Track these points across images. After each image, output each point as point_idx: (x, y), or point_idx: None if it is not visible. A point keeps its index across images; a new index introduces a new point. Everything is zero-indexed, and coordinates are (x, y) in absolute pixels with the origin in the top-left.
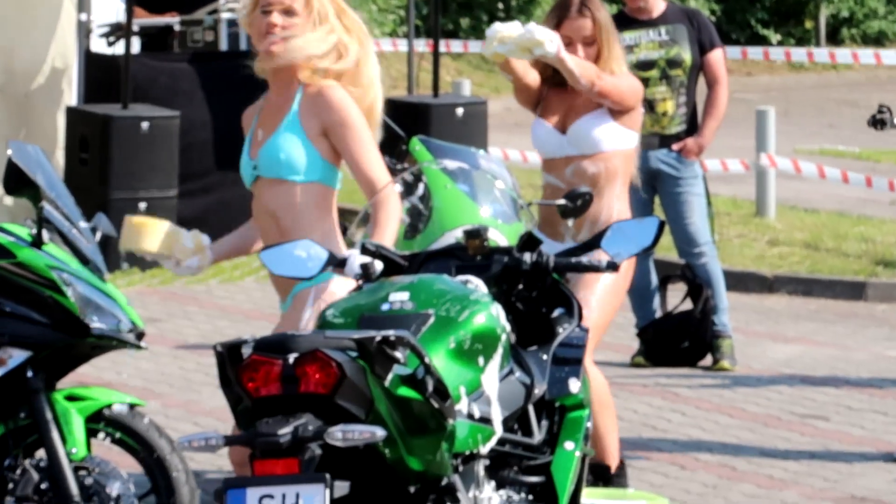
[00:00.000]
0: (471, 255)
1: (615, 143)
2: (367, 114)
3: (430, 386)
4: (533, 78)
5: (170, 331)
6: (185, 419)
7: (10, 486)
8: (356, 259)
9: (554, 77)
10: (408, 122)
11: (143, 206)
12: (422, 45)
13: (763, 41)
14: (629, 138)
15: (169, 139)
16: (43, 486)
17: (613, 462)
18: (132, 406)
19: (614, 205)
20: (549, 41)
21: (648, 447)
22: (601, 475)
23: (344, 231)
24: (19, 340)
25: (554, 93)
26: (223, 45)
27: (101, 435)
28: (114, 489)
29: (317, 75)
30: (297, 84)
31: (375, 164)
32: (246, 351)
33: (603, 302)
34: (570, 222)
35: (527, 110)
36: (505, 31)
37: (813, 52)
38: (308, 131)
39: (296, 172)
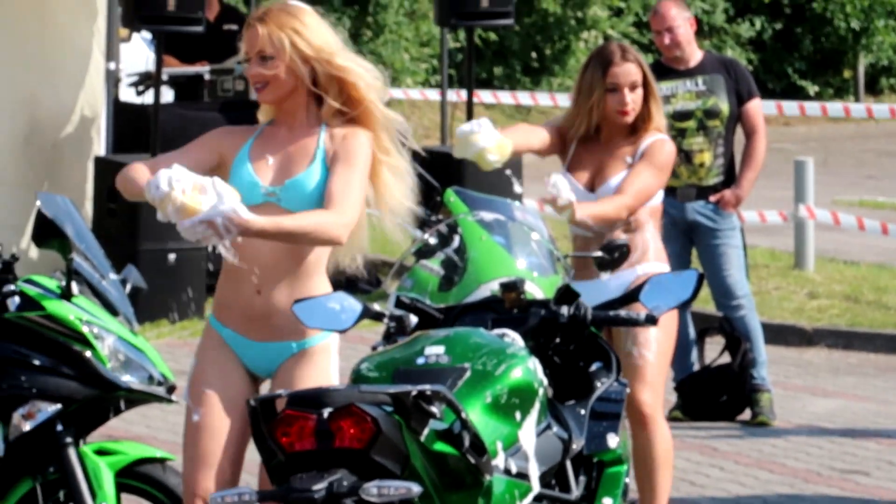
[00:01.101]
0: (507, 307)
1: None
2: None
3: (467, 441)
4: (540, 140)
5: None
6: None
7: None
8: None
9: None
10: (442, 173)
11: (172, 257)
12: (453, 95)
13: (800, 91)
14: (656, 195)
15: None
16: None
17: None
18: (162, 460)
19: (650, 243)
20: (564, 199)
21: (686, 502)
22: None
23: (378, 283)
24: (48, 394)
25: (583, 147)
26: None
27: (131, 490)
28: None
29: (336, 118)
30: (317, 122)
31: (349, 190)
32: (280, 405)
33: (657, 356)
34: (606, 275)
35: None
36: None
37: (850, 108)
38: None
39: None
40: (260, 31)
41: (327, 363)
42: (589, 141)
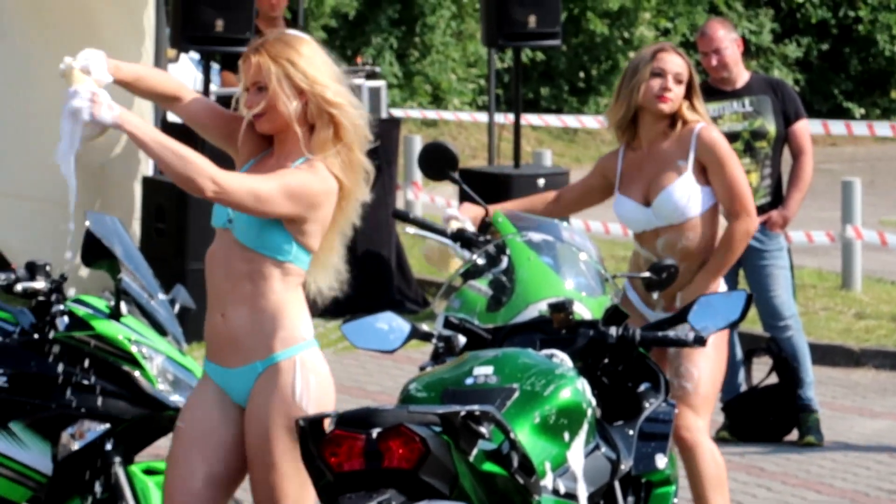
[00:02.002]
0: (556, 328)
1: (703, 206)
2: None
3: (516, 461)
4: (589, 189)
5: None
6: None
7: None
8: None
9: (630, 142)
10: (489, 193)
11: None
12: (501, 116)
13: (846, 112)
14: (712, 195)
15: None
16: None
17: None
18: None
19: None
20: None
21: None
22: None
23: (426, 303)
24: (97, 413)
25: (631, 162)
26: None
27: None
28: None
29: (325, 151)
30: (301, 154)
31: (251, 176)
32: (329, 425)
33: (704, 381)
34: (656, 295)
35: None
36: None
37: None
38: None
39: (268, 249)
40: (255, 61)
41: (291, 382)
42: (632, 158)
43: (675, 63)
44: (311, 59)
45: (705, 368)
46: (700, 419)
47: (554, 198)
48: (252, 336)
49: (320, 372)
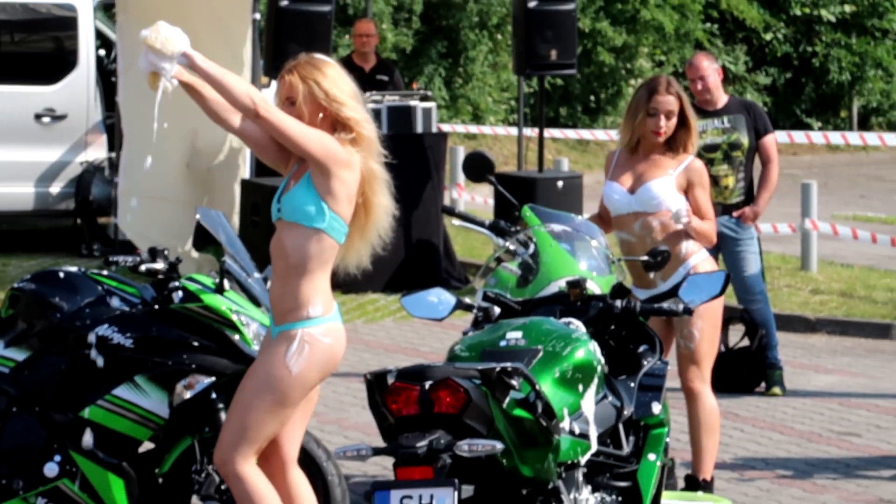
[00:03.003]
0: (572, 301)
1: (674, 203)
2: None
3: (540, 408)
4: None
5: None
6: (336, 433)
7: (196, 486)
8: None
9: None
10: (518, 193)
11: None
12: (528, 131)
13: (806, 127)
14: (685, 201)
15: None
16: (223, 486)
17: (708, 475)
18: None
19: (687, 241)
20: (684, 221)
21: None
22: (695, 486)
23: (467, 281)
24: (205, 369)
25: (626, 160)
26: None
27: None
28: None
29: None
30: None
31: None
32: (390, 379)
33: (703, 342)
34: (652, 274)
35: None
36: None
37: (847, 135)
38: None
39: (308, 219)
40: (287, 80)
41: (287, 346)
42: (629, 156)
43: (667, 102)
44: (334, 79)
45: (705, 331)
46: (702, 372)
47: (597, 214)
48: (277, 302)
49: (318, 346)
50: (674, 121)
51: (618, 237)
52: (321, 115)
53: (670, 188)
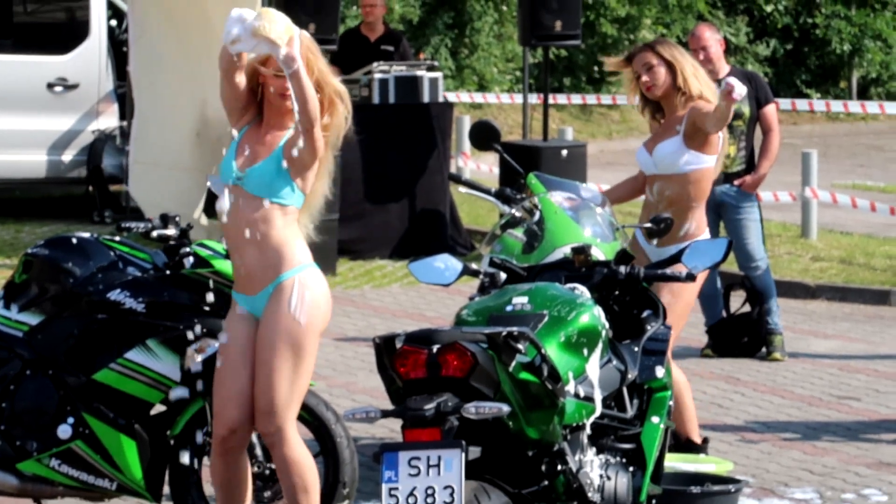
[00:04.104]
0: (577, 267)
1: (686, 166)
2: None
3: (545, 371)
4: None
5: (332, 326)
6: (345, 397)
7: (208, 448)
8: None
9: (646, 110)
10: (523, 161)
11: (311, 226)
12: (533, 99)
13: (806, 97)
14: (700, 160)
15: (333, 174)
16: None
17: (694, 438)
18: None
19: (690, 223)
20: (738, 93)
21: (716, 421)
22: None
23: (473, 247)
24: (215, 332)
25: (654, 122)
26: (375, 100)
27: None
28: None
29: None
30: (290, 125)
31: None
32: (398, 343)
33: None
34: (655, 241)
35: (616, 152)
36: None
37: (848, 104)
38: (286, 159)
39: (276, 195)
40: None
41: (288, 297)
42: (655, 127)
43: (640, 59)
44: (318, 53)
45: (675, 308)
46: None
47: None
48: (263, 269)
49: (315, 289)
50: (657, 70)
51: (646, 195)
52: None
53: (677, 146)
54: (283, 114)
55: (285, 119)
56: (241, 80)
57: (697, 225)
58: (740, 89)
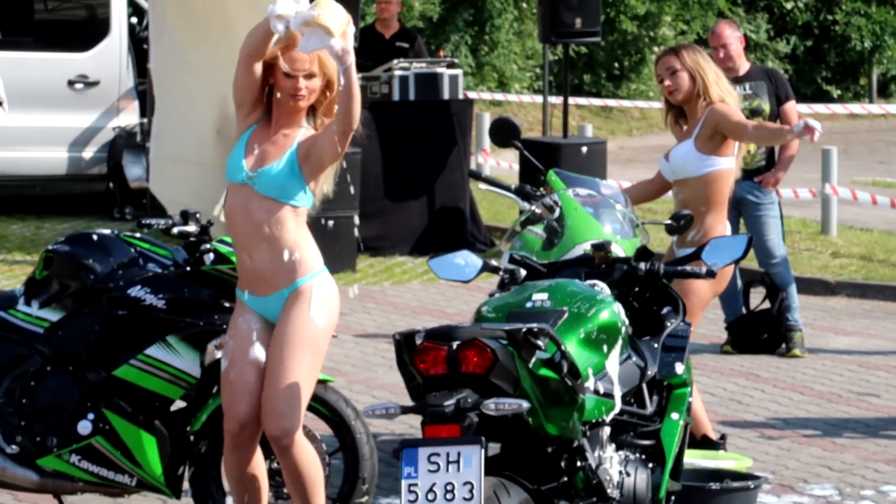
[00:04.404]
0: (597, 263)
1: (698, 171)
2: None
3: (565, 368)
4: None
5: (352, 322)
6: (364, 393)
7: None
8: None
9: (669, 116)
10: (543, 158)
11: (330, 223)
12: (553, 99)
13: (825, 95)
14: (712, 163)
15: (353, 170)
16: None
17: (711, 433)
18: (324, 381)
19: (705, 225)
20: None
21: (735, 418)
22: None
23: (492, 244)
24: None
25: (677, 128)
26: (395, 97)
27: None
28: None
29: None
30: (301, 124)
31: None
32: (418, 339)
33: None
34: (675, 237)
35: (636, 148)
36: None
37: (868, 106)
38: (300, 161)
39: (289, 197)
40: (308, 55)
41: (308, 301)
42: (678, 133)
43: (664, 64)
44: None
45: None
46: None
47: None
48: (276, 271)
49: (331, 293)
50: (681, 76)
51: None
52: (327, 92)
53: (688, 149)
54: (292, 114)
55: (295, 118)
56: (258, 68)
57: (705, 233)
58: (818, 136)
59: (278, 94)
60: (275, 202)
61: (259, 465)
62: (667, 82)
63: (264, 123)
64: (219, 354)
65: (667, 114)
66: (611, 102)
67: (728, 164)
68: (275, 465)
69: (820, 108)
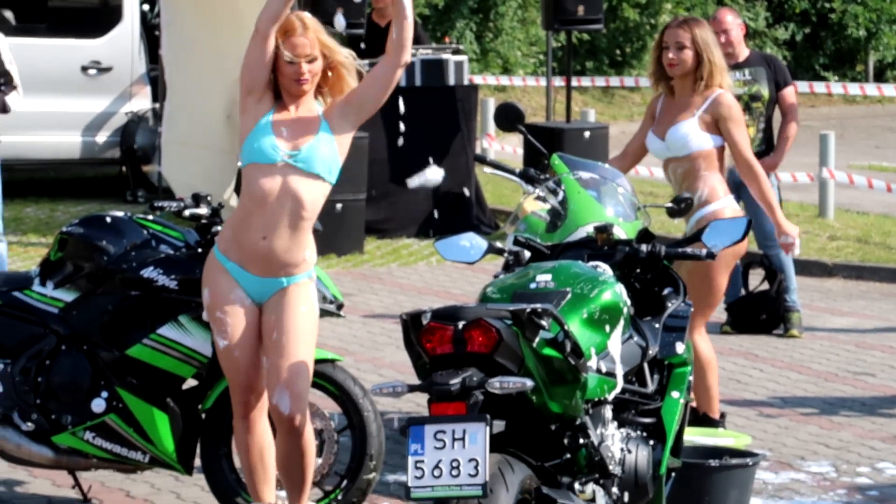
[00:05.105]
0: (599, 245)
1: (698, 145)
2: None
3: (568, 347)
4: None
5: (360, 303)
6: (372, 371)
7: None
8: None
9: (660, 83)
10: (546, 142)
11: (339, 206)
12: (557, 82)
13: (824, 81)
14: (714, 140)
15: (361, 155)
16: None
17: (717, 413)
18: (333, 361)
19: (705, 189)
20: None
21: (734, 396)
22: (710, 424)
23: (497, 226)
24: None
25: (667, 107)
26: (402, 83)
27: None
28: (317, 424)
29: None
30: (314, 101)
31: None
32: (425, 319)
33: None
34: (676, 220)
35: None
36: None
37: (865, 87)
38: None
39: (329, 172)
40: (308, 40)
41: (307, 295)
42: (668, 104)
43: (675, 35)
44: (323, 31)
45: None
46: (695, 323)
47: (622, 154)
48: (287, 259)
49: (314, 285)
50: (687, 53)
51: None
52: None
53: (693, 128)
54: (300, 96)
55: (306, 99)
56: (272, 42)
57: (711, 192)
58: (795, 253)
59: (283, 82)
60: (316, 178)
61: (270, 435)
62: (671, 55)
63: (280, 107)
64: None
65: (657, 82)
66: (613, 81)
67: (723, 141)
68: None
69: (819, 87)
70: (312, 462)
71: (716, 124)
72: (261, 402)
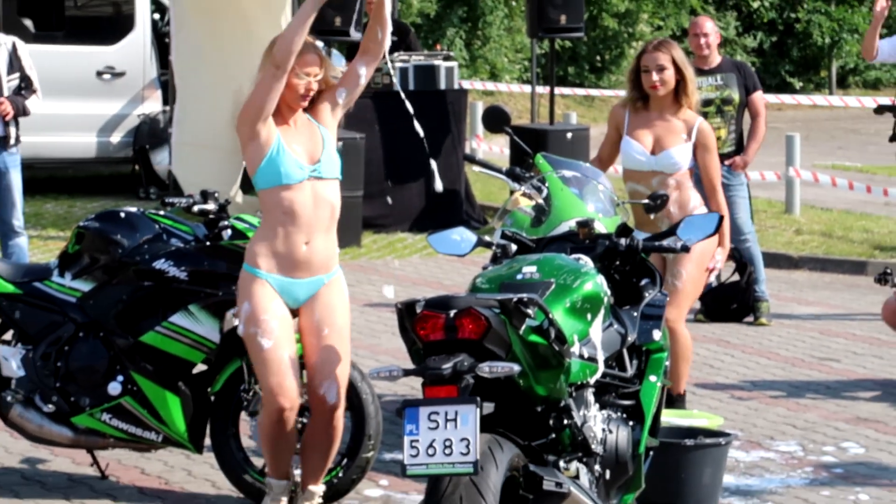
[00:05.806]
0: (581, 239)
1: (684, 166)
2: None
3: (553, 334)
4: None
5: (358, 293)
6: (369, 357)
7: (245, 404)
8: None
9: (637, 102)
10: (531, 143)
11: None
12: (541, 87)
13: (789, 86)
14: (690, 161)
15: (357, 154)
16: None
17: (682, 391)
18: None
19: (693, 195)
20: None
21: (707, 380)
22: (669, 399)
23: (485, 222)
24: None
25: (636, 117)
26: (396, 86)
27: None
28: None
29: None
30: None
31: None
32: (419, 308)
33: (687, 284)
34: (653, 215)
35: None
36: None
37: (829, 99)
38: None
39: (340, 171)
40: (318, 56)
41: (343, 287)
42: (640, 112)
43: (655, 59)
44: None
45: (692, 273)
46: (681, 311)
47: (597, 158)
48: (325, 257)
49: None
50: (668, 73)
51: (630, 188)
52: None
53: (687, 152)
54: (296, 109)
55: (296, 110)
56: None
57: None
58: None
59: (287, 95)
60: (335, 180)
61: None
62: (654, 77)
63: (280, 124)
64: (236, 322)
65: (635, 100)
66: (593, 92)
67: None
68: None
69: (786, 97)
70: (337, 446)
71: (694, 148)
72: (296, 410)
